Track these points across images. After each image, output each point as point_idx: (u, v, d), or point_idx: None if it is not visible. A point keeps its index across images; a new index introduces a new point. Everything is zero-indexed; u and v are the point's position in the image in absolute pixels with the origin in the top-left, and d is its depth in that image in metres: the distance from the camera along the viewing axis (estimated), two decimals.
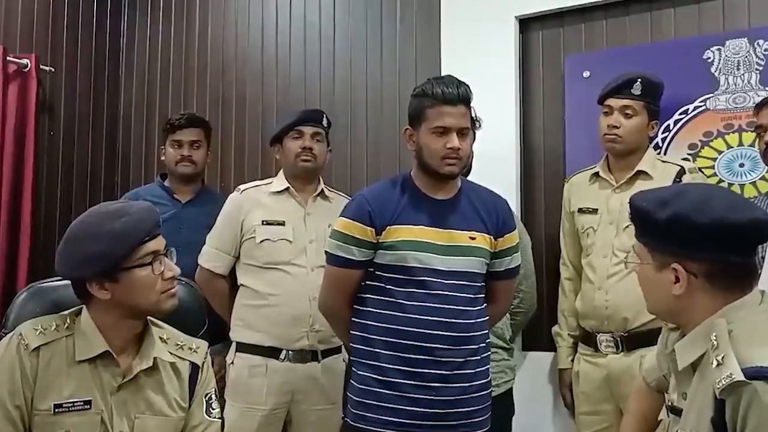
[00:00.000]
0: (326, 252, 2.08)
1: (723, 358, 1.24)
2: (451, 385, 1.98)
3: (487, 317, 2.09)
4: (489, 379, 2.09)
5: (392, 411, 1.97)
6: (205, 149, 3.05)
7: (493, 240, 2.07)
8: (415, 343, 1.96)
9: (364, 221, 2.00)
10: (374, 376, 1.99)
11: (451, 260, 2.00)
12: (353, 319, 2.07)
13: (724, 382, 1.21)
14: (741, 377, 1.19)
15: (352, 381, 2.05)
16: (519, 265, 2.20)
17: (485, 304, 2.09)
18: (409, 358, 1.97)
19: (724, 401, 1.22)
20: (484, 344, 2.06)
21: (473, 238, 2.04)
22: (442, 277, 1.99)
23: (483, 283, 2.08)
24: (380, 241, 2.00)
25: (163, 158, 3.06)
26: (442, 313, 1.98)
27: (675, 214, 1.32)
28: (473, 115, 2.50)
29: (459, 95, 1.99)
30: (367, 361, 2.01)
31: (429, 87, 2.01)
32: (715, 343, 1.28)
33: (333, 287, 2.10)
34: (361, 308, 2.05)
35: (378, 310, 2.01)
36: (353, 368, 2.05)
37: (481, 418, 2.04)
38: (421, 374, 1.96)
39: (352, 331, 2.06)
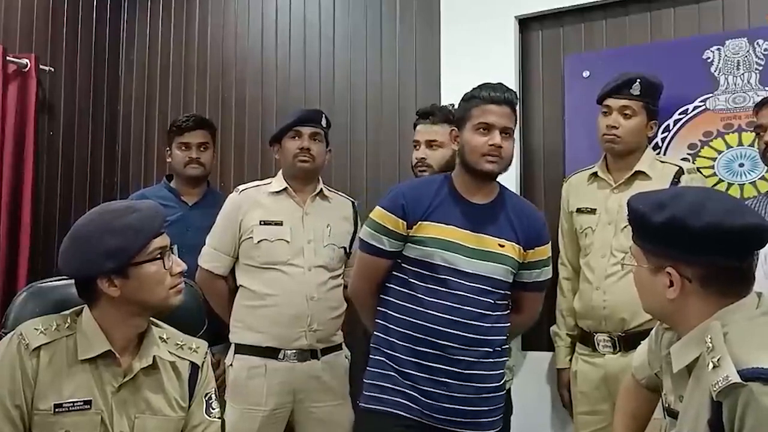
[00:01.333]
0: (360, 238, 2.16)
1: (719, 360, 1.24)
2: (462, 383, 2.00)
3: (508, 324, 2.11)
4: (502, 382, 2.11)
5: (405, 395, 2.01)
6: (212, 150, 3.06)
7: (522, 250, 2.09)
8: (429, 339, 2.00)
9: (397, 213, 2.05)
10: (390, 363, 2.04)
11: (477, 264, 2.03)
12: (378, 307, 2.12)
13: (720, 385, 1.21)
14: (737, 379, 1.19)
15: (368, 367, 2.10)
16: (549, 278, 2.22)
17: (508, 312, 2.12)
18: (423, 352, 2.01)
19: (721, 403, 1.22)
20: (500, 348, 2.08)
21: (502, 246, 2.06)
22: (466, 279, 2.02)
23: (507, 291, 2.10)
24: (410, 234, 2.05)
25: (169, 160, 3.05)
26: (460, 313, 2.01)
27: (670, 218, 1.32)
28: (450, 106, 2.54)
29: (504, 97, 2.06)
30: (384, 349, 2.07)
31: (477, 90, 2.09)
32: (710, 345, 1.28)
33: (362, 274, 2.17)
34: (384, 297, 2.11)
35: (398, 302, 2.07)
36: (371, 354, 2.11)
37: (492, 419, 2.07)
38: (431, 368, 2.00)
39: (375, 319, 2.12)
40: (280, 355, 2.49)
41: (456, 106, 2.51)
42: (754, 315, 1.32)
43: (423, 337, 2.01)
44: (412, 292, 2.05)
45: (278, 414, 2.51)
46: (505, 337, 2.11)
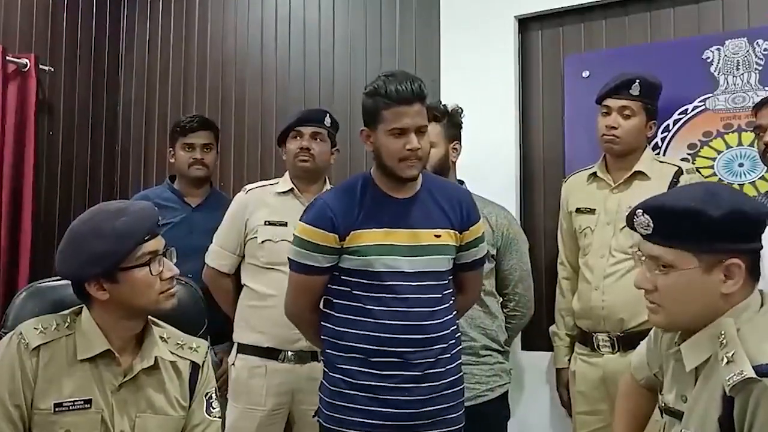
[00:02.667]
0: (288, 258, 2.04)
1: (733, 355, 1.24)
2: (421, 384, 1.94)
3: (455, 312, 2.06)
4: (461, 375, 2.05)
5: (361, 412, 1.94)
6: (215, 152, 3.05)
7: (458, 234, 2.03)
8: (384, 348, 1.93)
9: (326, 227, 1.94)
10: (343, 378, 1.96)
11: (417, 261, 1.96)
12: (322, 322, 2.03)
13: (734, 379, 1.21)
14: (752, 374, 1.19)
15: (323, 382, 2.03)
16: (486, 254, 2.17)
17: (453, 299, 2.06)
18: (378, 362, 1.93)
19: (733, 399, 1.22)
20: (454, 340, 2.03)
21: (438, 236, 1.99)
22: (410, 279, 1.95)
23: (450, 278, 2.05)
24: (344, 246, 1.95)
25: (172, 161, 3.04)
26: (411, 316, 1.94)
27: (730, 210, 1.31)
28: (436, 103, 2.43)
29: (413, 93, 1.89)
30: (338, 365, 1.98)
31: (381, 85, 1.91)
32: (724, 341, 1.28)
33: (298, 293, 2.06)
34: (328, 312, 2.02)
35: (344, 315, 1.97)
36: (324, 369, 2.03)
37: (453, 415, 2.00)
38: (390, 376, 1.93)
39: (322, 335, 2.03)
40: (281, 356, 2.50)
41: (443, 105, 2.51)
42: (762, 313, 1.32)
43: (377, 348, 1.93)
44: (358, 304, 1.95)
45: (276, 414, 2.52)
46: (456, 327, 2.05)
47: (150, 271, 1.59)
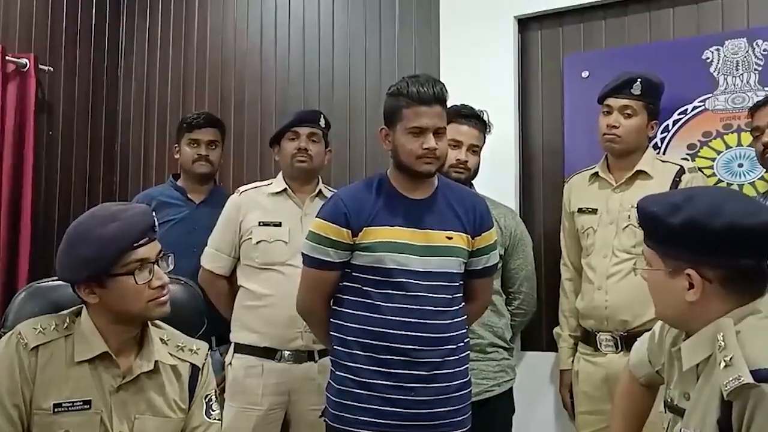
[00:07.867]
0: (302, 253, 2.06)
1: (731, 359, 1.23)
2: (428, 385, 1.96)
3: (465, 317, 2.07)
4: (469, 378, 2.07)
5: (369, 411, 1.95)
6: (221, 149, 3.06)
7: (470, 239, 2.05)
8: (391, 345, 1.95)
9: (340, 222, 1.98)
10: (351, 376, 1.98)
11: (428, 260, 1.98)
12: (331, 319, 2.05)
13: (732, 384, 1.20)
14: (750, 379, 1.18)
15: (330, 381, 2.04)
16: (497, 263, 2.19)
17: (463, 304, 2.08)
18: (385, 359, 1.95)
19: (731, 403, 1.21)
20: (462, 344, 2.04)
21: (450, 238, 2.02)
22: (420, 278, 1.97)
23: (461, 283, 2.07)
24: (357, 242, 1.98)
25: (177, 157, 3.04)
26: (419, 314, 1.96)
27: (688, 220, 1.29)
28: (486, 119, 2.49)
29: (434, 95, 1.95)
30: (344, 362, 2.00)
31: (404, 86, 1.97)
32: (723, 343, 1.26)
33: (310, 289, 2.08)
34: (338, 309, 2.04)
35: (354, 311, 2.00)
36: (332, 368, 2.05)
37: (460, 418, 2.02)
38: (397, 375, 1.94)
39: (330, 332, 2.05)
40: (277, 356, 2.50)
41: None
42: (765, 316, 1.30)
43: (385, 344, 1.95)
44: (368, 300, 1.97)
45: (273, 414, 2.52)
46: (466, 331, 2.07)
47: (135, 280, 1.57)
